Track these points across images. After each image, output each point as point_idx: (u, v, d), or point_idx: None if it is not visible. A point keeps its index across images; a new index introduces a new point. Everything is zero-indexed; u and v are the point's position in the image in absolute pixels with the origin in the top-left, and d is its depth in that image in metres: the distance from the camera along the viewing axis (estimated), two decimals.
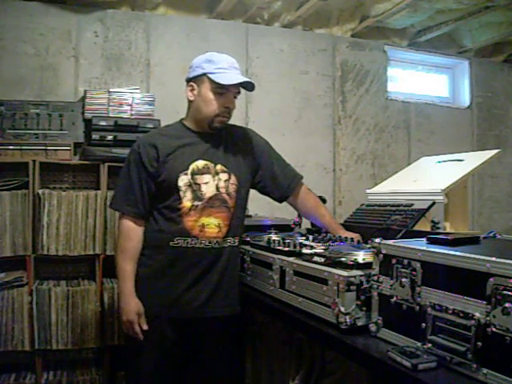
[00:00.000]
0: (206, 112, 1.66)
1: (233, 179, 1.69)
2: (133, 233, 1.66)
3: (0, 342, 2.41)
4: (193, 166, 1.65)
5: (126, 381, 1.88)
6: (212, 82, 1.62)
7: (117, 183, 1.75)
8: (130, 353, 1.73)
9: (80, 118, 2.77)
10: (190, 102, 1.71)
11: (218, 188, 1.66)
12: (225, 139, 1.74)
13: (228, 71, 1.63)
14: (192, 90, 1.68)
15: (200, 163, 1.66)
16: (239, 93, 1.69)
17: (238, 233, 1.75)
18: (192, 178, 1.63)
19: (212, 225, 1.64)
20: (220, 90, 1.63)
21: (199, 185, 1.64)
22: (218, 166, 1.68)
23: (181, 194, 1.62)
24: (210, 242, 1.64)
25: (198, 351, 1.70)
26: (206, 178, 1.65)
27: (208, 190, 1.64)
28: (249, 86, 1.68)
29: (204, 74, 1.64)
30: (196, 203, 1.63)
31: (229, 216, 1.68)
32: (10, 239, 2.48)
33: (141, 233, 1.67)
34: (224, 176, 1.68)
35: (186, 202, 1.62)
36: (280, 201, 1.90)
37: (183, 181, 1.63)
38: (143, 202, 1.65)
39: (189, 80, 1.70)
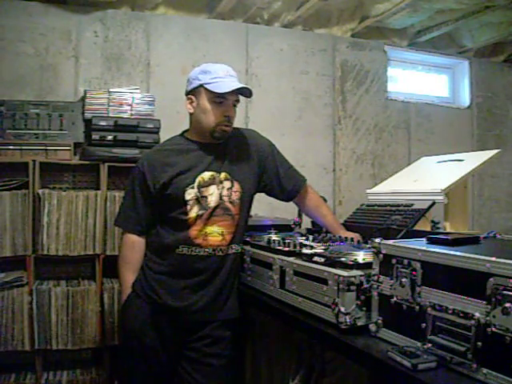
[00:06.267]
0: (206, 123, 1.66)
1: (236, 187, 1.69)
2: (136, 245, 1.72)
3: (0, 342, 2.41)
4: (199, 179, 1.65)
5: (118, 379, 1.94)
6: (209, 92, 1.62)
7: (122, 200, 1.79)
8: (123, 352, 1.82)
9: (80, 118, 2.76)
10: (190, 114, 1.72)
11: (221, 197, 1.66)
12: (228, 146, 1.73)
13: (224, 79, 1.62)
14: (191, 102, 1.69)
15: (206, 175, 1.67)
16: (238, 101, 1.68)
17: (242, 239, 1.77)
18: (199, 191, 1.64)
19: (215, 233, 1.65)
20: (217, 99, 1.63)
21: (205, 197, 1.65)
22: (222, 175, 1.69)
23: (188, 207, 1.64)
24: (213, 250, 1.66)
25: (192, 348, 1.69)
26: (212, 188, 1.66)
27: (212, 200, 1.65)
28: (246, 93, 1.67)
29: (201, 86, 1.64)
30: (201, 213, 1.64)
31: (233, 224, 1.69)
32: (10, 239, 2.48)
33: (144, 245, 1.74)
34: (227, 184, 1.68)
35: (192, 213, 1.64)
36: (286, 201, 1.92)
37: (190, 194, 1.64)
38: (146, 220, 1.71)
39: (187, 93, 1.71)
